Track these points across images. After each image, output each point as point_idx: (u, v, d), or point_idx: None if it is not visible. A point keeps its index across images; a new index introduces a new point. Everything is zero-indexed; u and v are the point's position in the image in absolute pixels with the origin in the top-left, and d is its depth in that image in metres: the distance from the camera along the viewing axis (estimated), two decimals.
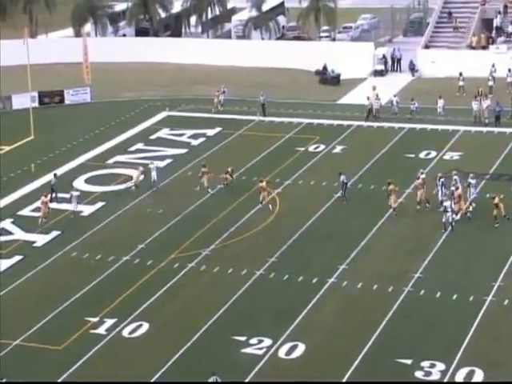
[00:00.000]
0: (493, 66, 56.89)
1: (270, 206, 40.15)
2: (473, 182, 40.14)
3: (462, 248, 36.32)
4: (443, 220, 37.32)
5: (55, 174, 42.15)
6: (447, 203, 37.59)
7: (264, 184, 40.41)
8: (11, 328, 31.12)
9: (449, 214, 37.25)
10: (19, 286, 34.29)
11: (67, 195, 41.92)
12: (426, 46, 63.45)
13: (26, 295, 33.66)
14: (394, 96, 53.44)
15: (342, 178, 40.69)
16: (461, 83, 55.95)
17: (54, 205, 41.33)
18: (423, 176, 40.02)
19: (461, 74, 56.13)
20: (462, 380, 27.69)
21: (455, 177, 40.39)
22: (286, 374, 28.33)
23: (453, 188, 39.20)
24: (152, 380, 28.18)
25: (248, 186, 42.84)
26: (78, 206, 40.46)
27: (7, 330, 30.99)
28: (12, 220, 40.08)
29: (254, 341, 29.94)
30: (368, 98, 52.01)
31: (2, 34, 68.41)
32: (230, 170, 42.55)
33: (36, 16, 72.39)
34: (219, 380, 26.82)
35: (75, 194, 40.68)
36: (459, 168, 42.69)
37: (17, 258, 36.54)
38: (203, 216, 39.54)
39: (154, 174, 42.79)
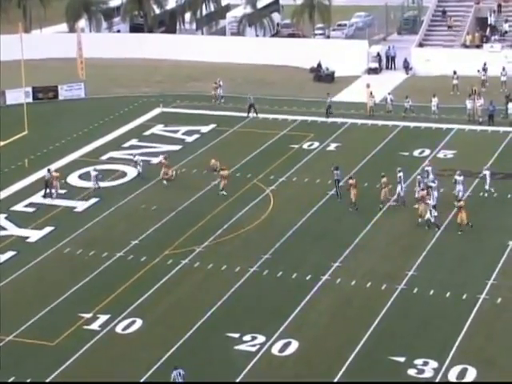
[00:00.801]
0: (484, 64, 56.99)
1: (224, 192, 40.83)
2: (459, 178, 40.05)
3: (455, 246, 36.38)
4: (425, 217, 37.25)
5: (49, 170, 42.10)
6: (430, 201, 37.64)
7: (226, 173, 41.05)
8: (4, 323, 31.08)
9: (428, 213, 37.21)
10: (12, 281, 34.23)
11: (62, 191, 41.99)
12: (421, 45, 63.51)
13: (19, 291, 33.60)
14: (389, 94, 53.50)
15: (337, 172, 40.64)
16: (455, 82, 56.03)
17: (47, 200, 41.33)
18: (400, 174, 39.76)
19: (455, 73, 56.21)
20: (454, 378, 27.75)
21: (424, 174, 40.41)
22: (279, 371, 28.36)
23: (418, 187, 39.14)
24: (145, 376, 28.16)
25: (242, 183, 42.84)
26: (98, 184, 41.88)
27: (0, 325, 30.93)
28: (6, 215, 40.00)
29: (247, 338, 29.96)
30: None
31: None
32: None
33: (30, 11, 72.21)
34: (182, 372, 26.77)
35: (94, 173, 42.03)
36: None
37: (10, 253, 36.48)
38: (197, 213, 39.53)
39: (139, 168, 43.12)
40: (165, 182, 42.73)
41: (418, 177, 40.28)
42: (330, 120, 52.06)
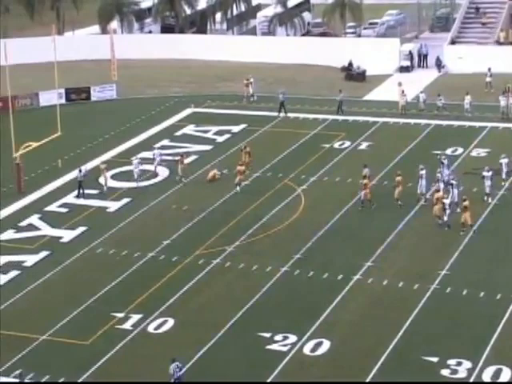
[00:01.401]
0: None
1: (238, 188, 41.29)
2: (487, 174, 39.53)
3: (489, 245, 36.06)
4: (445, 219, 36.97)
5: (80, 170, 42.40)
6: (446, 201, 37.25)
7: (242, 168, 41.39)
8: (38, 323, 31.38)
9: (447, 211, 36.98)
10: (46, 281, 34.54)
11: (94, 191, 42.35)
12: (453, 42, 63.04)
13: (52, 290, 33.90)
14: (421, 92, 53.14)
15: (366, 171, 40.57)
16: (488, 79, 55.52)
17: (81, 201, 41.66)
18: (422, 172, 39.58)
19: (489, 70, 55.68)
20: (488, 378, 27.52)
21: (441, 168, 40.17)
22: (310, 371, 28.30)
23: (436, 184, 38.98)
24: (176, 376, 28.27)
25: (273, 183, 42.82)
26: (157, 168, 44.11)
27: (34, 324, 31.26)
28: (39, 216, 40.37)
29: (278, 337, 29.94)
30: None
31: (29, 32, 68.98)
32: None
33: (63, 13, 72.80)
34: (179, 365, 26.91)
35: (157, 152, 44.69)
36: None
37: (44, 253, 36.81)
38: (228, 212, 39.58)
39: (136, 171, 43.26)
40: (183, 179, 43.02)
41: (438, 174, 39.94)
42: (362, 119, 51.82)
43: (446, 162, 41.46)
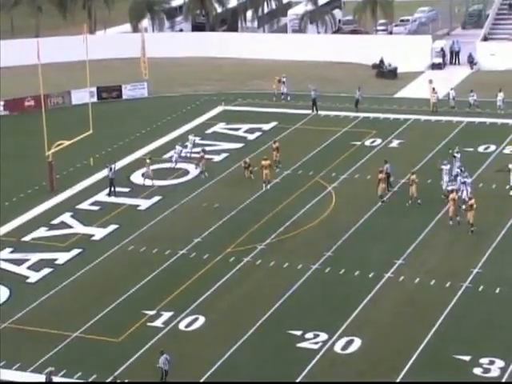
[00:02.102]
0: None
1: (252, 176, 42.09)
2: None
3: None
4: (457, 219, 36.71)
5: (111, 168, 42.53)
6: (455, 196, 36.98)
7: (267, 162, 41.32)
8: (70, 320, 31.59)
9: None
10: (78, 278, 34.76)
11: (125, 189, 42.57)
12: (486, 39, 62.49)
13: (84, 288, 34.10)
14: (451, 89, 52.76)
15: (387, 166, 40.44)
16: None
17: (112, 199, 41.87)
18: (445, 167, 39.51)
19: None
20: None
21: (455, 161, 39.94)
22: (341, 369, 28.20)
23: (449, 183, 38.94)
24: (208, 374, 28.29)
25: (304, 181, 42.73)
26: (192, 151, 45.74)
27: (66, 322, 31.47)
28: (71, 214, 40.65)
29: (309, 335, 29.87)
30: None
31: (62, 31, 69.49)
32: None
33: (95, 12, 73.26)
34: (168, 358, 27.18)
35: (192, 138, 46.32)
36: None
37: (76, 251, 37.05)
38: (259, 210, 39.56)
39: (175, 156, 45.00)
40: (203, 174, 43.32)
41: (457, 170, 39.61)
42: (393, 116, 51.52)
43: (458, 155, 40.89)
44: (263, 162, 41.96)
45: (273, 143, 44.81)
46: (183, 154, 45.78)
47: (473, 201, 36.36)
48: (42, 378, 28.01)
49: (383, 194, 39.40)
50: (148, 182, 43.07)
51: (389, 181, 40.56)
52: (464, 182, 38.81)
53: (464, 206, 37.20)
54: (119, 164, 44.80)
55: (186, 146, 46.42)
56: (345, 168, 44.04)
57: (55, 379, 27.66)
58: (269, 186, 41.75)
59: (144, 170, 43.59)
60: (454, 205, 36.99)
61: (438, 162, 40.74)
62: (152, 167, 43.63)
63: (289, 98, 55.05)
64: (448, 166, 39.63)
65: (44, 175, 43.61)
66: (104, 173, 44.18)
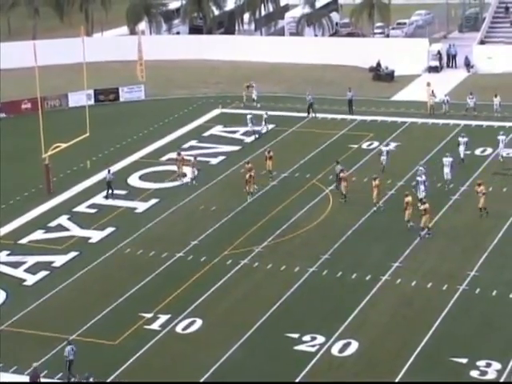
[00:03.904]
0: None
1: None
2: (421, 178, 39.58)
3: None
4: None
5: (109, 170, 42.62)
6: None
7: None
8: (67, 323, 31.56)
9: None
10: (75, 281, 34.73)
11: (122, 192, 42.55)
12: (482, 42, 62.59)
13: (81, 291, 34.08)
14: (445, 96, 52.77)
15: (338, 167, 40.92)
16: None
17: (109, 201, 41.85)
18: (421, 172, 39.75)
19: None
20: None
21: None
22: (339, 372, 28.21)
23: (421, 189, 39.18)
24: (205, 376, 28.30)
25: (301, 183, 42.76)
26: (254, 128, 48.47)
27: (63, 324, 31.44)
28: (68, 216, 40.62)
29: (307, 338, 29.88)
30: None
31: (58, 33, 69.47)
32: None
33: (92, 15, 73.24)
34: (74, 348, 28.06)
35: (249, 116, 48.84)
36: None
37: (73, 253, 37.02)
38: (256, 213, 39.57)
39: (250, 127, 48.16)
40: (193, 181, 43.11)
41: (420, 168, 40.26)
42: (390, 119, 51.56)
43: (423, 169, 40.73)
44: (246, 166, 41.78)
45: (266, 152, 44.35)
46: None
47: (427, 205, 36.31)
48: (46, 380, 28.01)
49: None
50: (186, 179, 43.06)
51: (338, 179, 40.89)
52: (417, 181, 39.28)
53: (419, 204, 37.25)
54: (116, 167, 44.77)
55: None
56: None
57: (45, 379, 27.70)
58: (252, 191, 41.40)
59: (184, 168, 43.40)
60: (409, 208, 36.83)
61: (418, 170, 40.63)
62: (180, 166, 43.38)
63: (259, 105, 54.48)
64: (424, 178, 39.80)
65: (41, 178, 43.58)
66: (101, 175, 44.20)
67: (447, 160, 41.24)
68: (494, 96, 51.15)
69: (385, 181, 41.85)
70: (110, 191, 42.14)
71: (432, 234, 36.47)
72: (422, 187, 39.33)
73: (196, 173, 43.44)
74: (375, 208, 39.01)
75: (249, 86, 55.88)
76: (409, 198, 37.05)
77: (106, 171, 42.87)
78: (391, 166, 43.42)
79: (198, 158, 44.80)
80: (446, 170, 41.07)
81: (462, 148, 43.67)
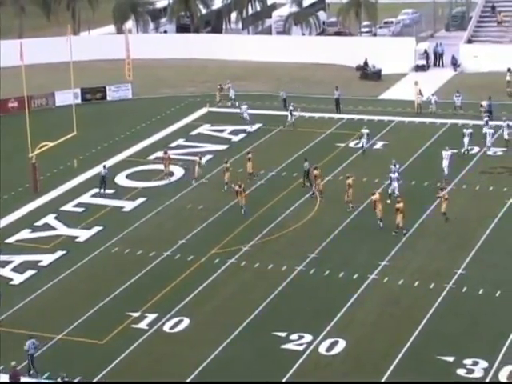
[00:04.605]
0: None
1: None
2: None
3: (506, 244, 35.87)
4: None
5: (104, 166, 42.67)
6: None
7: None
8: (54, 322, 31.46)
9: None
10: (62, 280, 34.64)
11: (110, 191, 42.49)
12: (469, 41, 62.80)
13: (68, 290, 33.99)
14: (433, 95, 52.89)
15: (306, 164, 41.25)
16: (508, 78, 55.15)
17: (96, 200, 41.73)
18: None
19: (509, 70, 55.26)
20: (505, 378, 27.37)
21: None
22: (326, 371, 28.25)
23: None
24: (193, 375, 28.28)
25: (288, 182, 42.78)
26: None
27: (50, 324, 31.35)
28: (55, 215, 40.51)
29: (294, 337, 29.91)
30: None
31: (45, 32, 69.24)
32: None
33: (79, 13, 73.03)
34: (36, 343, 28.12)
35: (245, 106, 50.66)
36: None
37: (60, 252, 36.92)
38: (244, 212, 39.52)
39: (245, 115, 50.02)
40: (168, 177, 43.17)
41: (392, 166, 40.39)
42: (377, 118, 51.67)
43: (395, 167, 40.75)
44: (225, 165, 41.94)
45: (246, 154, 44.10)
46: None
47: (401, 204, 36.41)
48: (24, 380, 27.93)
49: (350, 200, 39.07)
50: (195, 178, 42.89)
51: (309, 178, 41.15)
52: (391, 177, 39.66)
53: (389, 201, 37.42)
54: (104, 165, 44.65)
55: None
56: (329, 169, 44.11)
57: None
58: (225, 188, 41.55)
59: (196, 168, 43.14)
60: (378, 206, 37.07)
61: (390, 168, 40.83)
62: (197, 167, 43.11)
63: (237, 104, 54.40)
64: (397, 175, 40.01)
65: (28, 177, 43.44)
66: (88, 174, 44.11)
67: (446, 153, 41.84)
68: (480, 105, 50.71)
69: (372, 179, 41.93)
70: (104, 185, 41.93)
71: (403, 233, 36.38)
72: (395, 184, 39.55)
73: (199, 172, 43.24)
74: (349, 209, 38.95)
75: (221, 87, 55.64)
76: (376, 196, 37.18)
77: (98, 167, 42.61)
78: (377, 166, 43.43)
79: (186, 157, 44.84)
80: (445, 163, 41.69)
81: (466, 139, 44.51)
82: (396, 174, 40.02)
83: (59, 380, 27.09)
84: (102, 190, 42.14)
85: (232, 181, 41.35)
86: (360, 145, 46.10)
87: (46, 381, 28.18)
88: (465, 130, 45.33)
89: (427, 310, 31.10)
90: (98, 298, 32.91)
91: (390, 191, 39.79)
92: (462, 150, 44.34)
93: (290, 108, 50.53)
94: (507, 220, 37.81)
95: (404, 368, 28.07)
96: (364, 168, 43.85)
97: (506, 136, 45.85)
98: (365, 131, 46.22)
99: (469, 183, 41.82)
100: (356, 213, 39.09)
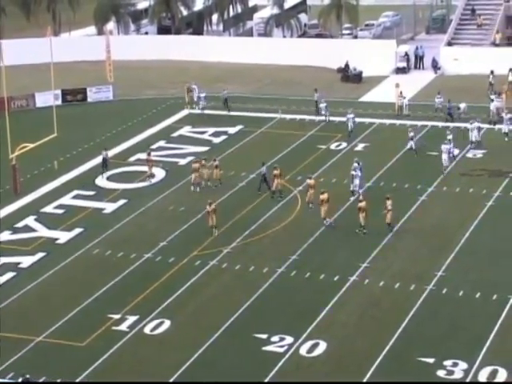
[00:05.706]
0: None
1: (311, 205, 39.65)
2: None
3: (485, 246, 36.08)
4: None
5: (105, 148, 44.63)
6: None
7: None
8: (34, 324, 31.33)
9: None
10: (42, 282, 34.49)
11: (90, 193, 42.36)
12: (449, 44, 63.14)
13: (49, 292, 33.85)
14: (404, 98, 53.03)
15: (263, 169, 41.52)
16: (491, 80, 55.47)
17: (77, 202, 41.59)
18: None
19: (492, 72, 55.56)
20: (484, 379, 27.53)
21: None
22: (307, 372, 28.30)
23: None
24: (174, 377, 28.25)
25: (269, 184, 42.76)
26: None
27: (30, 326, 31.21)
28: (35, 217, 40.32)
29: (275, 339, 29.93)
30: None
31: (25, 33, 68.91)
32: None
33: (59, 14, 72.71)
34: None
35: (323, 105, 51.30)
36: None
37: (40, 254, 36.76)
38: (225, 213, 39.51)
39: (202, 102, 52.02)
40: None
41: (355, 164, 40.81)
42: (358, 120, 51.78)
43: (358, 165, 41.18)
44: (193, 165, 42.22)
45: (213, 161, 43.31)
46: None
47: (363, 203, 36.64)
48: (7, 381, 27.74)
49: (309, 200, 39.24)
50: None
51: (266, 181, 41.22)
52: (352, 175, 40.20)
53: (352, 198, 38.29)
54: (84, 167, 44.52)
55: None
56: (310, 171, 44.12)
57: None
58: (198, 189, 41.76)
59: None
60: (324, 205, 37.49)
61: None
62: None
63: (206, 103, 54.35)
64: (358, 172, 40.37)
65: (8, 178, 43.22)
66: (68, 176, 44.03)
67: (445, 147, 42.69)
68: (458, 109, 51.00)
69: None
70: (105, 166, 43.60)
71: (366, 232, 36.53)
72: (356, 181, 39.91)
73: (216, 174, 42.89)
74: (310, 209, 39.05)
75: (189, 88, 55.56)
76: (324, 196, 37.51)
77: (79, 169, 43.24)
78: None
79: (167, 159, 44.77)
80: (444, 156, 42.53)
81: (475, 132, 46.02)
82: (358, 172, 40.19)
83: (20, 380, 26.85)
84: (105, 171, 43.87)
85: (220, 178, 41.73)
86: (473, 139, 46.19)
87: (10, 381, 27.94)
88: (469, 125, 46.32)
89: (408, 312, 31.23)
90: (78, 299, 32.79)
91: (351, 188, 40.06)
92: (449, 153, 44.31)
93: (323, 105, 51.26)
94: (487, 222, 38.03)
95: (385, 369, 28.17)
96: (345, 170, 43.90)
97: (473, 138, 46.20)
98: (471, 125, 46.32)
99: (449, 185, 42.04)
100: (337, 214, 39.17)
